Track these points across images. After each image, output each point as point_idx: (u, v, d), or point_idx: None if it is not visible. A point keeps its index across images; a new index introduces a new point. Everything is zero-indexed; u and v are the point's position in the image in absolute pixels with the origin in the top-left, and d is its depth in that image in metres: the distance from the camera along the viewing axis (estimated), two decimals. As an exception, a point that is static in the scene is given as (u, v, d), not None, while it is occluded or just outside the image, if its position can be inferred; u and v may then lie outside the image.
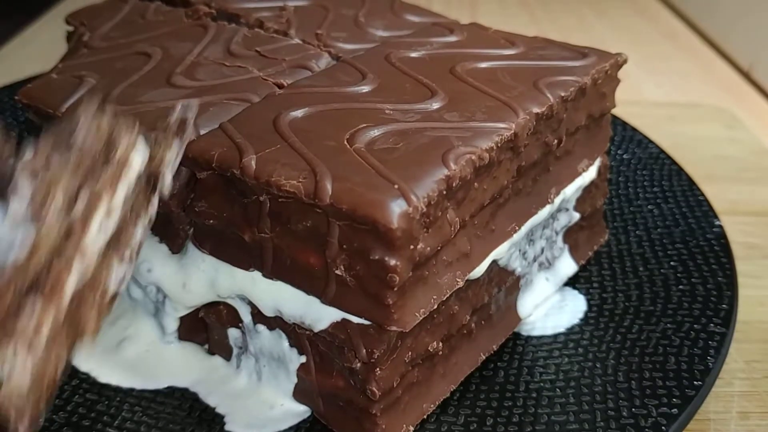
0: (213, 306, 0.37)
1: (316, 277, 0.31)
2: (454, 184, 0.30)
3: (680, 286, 0.42)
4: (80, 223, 0.26)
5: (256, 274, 0.34)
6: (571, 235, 0.43)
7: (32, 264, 0.25)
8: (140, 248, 0.29)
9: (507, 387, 0.36)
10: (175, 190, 0.34)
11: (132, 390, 0.37)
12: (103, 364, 0.38)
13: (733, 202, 0.54)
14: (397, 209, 0.28)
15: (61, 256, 0.25)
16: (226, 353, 0.38)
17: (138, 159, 0.28)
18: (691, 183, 0.51)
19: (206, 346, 0.39)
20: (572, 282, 0.43)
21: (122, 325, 0.40)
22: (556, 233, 0.41)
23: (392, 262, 0.29)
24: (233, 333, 0.37)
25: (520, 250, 0.38)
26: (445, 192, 0.30)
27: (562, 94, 0.36)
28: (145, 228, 0.28)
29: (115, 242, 0.27)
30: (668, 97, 0.74)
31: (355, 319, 0.31)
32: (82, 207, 0.26)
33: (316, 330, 0.32)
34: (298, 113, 0.34)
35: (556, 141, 0.37)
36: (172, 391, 0.37)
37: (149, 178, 0.29)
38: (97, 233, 0.26)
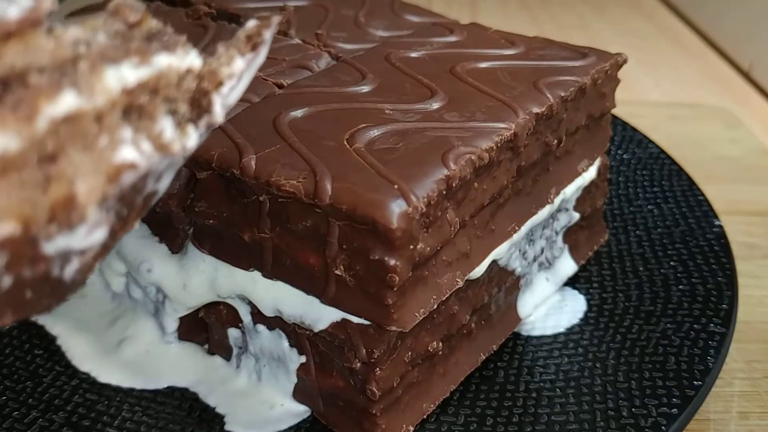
0: (213, 306, 0.37)
1: (315, 277, 0.31)
2: (453, 184, 0.30)
3: (680, 286, 0.42)
4: (96, 56, 0.21)
5: (256, 274, 0.34)
6: (571, 235, 0.43)
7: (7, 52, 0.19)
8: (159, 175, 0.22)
9: (507, 387, 0.36)
10: (175, 190, 0.34)
11: (132, 390, 0.37)
12: (103, 364, 0.38)
13: (733, 202, 0.54)
14: (396, 209, 0.28)
15: (52, 73, 0.19)
16: (226, 353, 0.38)
17: (172, 60, 0.22)
18: (691, 183, 0.51)
19: (206, 346, 0.39)
20: (572, 282, 0.43)
21: (122, 325, 0.40)
22: (556, 233, 0.41)
23: (392, 262, 0.29)
24: (233, 333, 0.37)
25: (520, 250, 0.38)
26: (444, 192, 0.30)
27: (562, 94, 0.36)
28: (173, 143, 0.22)
29: (133, 115, 0.21)
30: (668, 97, 0.74)
31: (355, 319, 0.31)
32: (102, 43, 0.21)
33: (316, 330, 0.32)
34: (298, 113, 0.34)
35: (556, 141, 0.37)
36: (172, 391, 0.37)
37: (194, 98, 0.23)
38: (112, 79, 0.21)
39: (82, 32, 0.20)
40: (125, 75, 0.21)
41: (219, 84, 0.23)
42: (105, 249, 0.21)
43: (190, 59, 0.22)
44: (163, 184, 0.23)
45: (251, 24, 0.24)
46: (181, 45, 0.23)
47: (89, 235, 0.20)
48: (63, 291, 0.21)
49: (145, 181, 0.21)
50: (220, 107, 0.23)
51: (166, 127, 0.22)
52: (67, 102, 0.19)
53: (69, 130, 0.19)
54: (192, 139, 0.22)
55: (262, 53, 0.24)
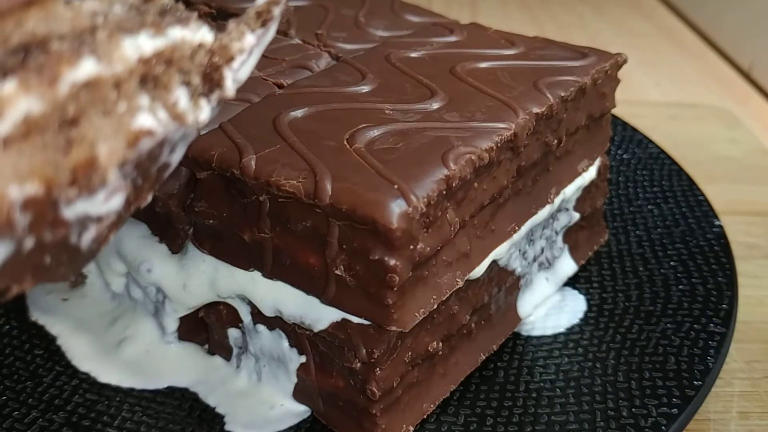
0: (213, 306, 0.37)
1: (315, 277, 0.31)
2: (453, 184, 0.30)
3: (680, 286, 0.42)
4: (113, 26, 0.21)
5: (256, 274, 0.34)
6: (571, 235, 0.43)
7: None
8: (172, 148, 0.23)
9: (507, 387, 0.36)
10: (175, 190, 0.34)
11: (132, 390, 0.37)
12: (103, 364, 0.38)
13: (733, 202, 0.54)
14: (396, 209, 0.28)
15: (72, 41, 0.20)
16: (226, 353, 0.38)
17: (184, 34, 0.23)
18: (691, 183, 0.51)
19: (206, 346, 0.39)
20: (572, 282, 0.43)
21: (122, 325, 0.40)
22: (556, 233, 0.41)
23: (392, 262, 0.29)
24: (233, 333, 0.37)
25: (520, 250, 0.38)
26: (444, 192, 0.30)
27: (562, 94, 0.36)
28: (185, 120, 0.23)
29: (149, 83, 0.22)
30: (668, 97, 0.74)
31: (355, 319, 0.31)
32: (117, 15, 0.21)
33: (316, 330, 0.32)
34: (298, 113, 0.34)
35: (556, 141, 0.37)
36: (172, 391, 0.37)
37: (206, 72, 0.23)
38: (130, 48, 0.21)
39: (99, 4, 0.21)
40: (142, 44, 0.21)
41: (230, 59, 0.23)
42: (119, 219, 0.22)
43: (203, 34, 0.23)
44: (176, 157, 0.23)
45: (261, 1, 0.24)
46: (193, 20, 0.23)
47: (107, 201, 0.21)
48: (79, 260, 0.21)
49: (161, 150, 0.22)
50: (231, 82, 0.24)
51: (180, 97, 0.22)
52: (87, 68, 0.20)
53: (89, 95, 0.20)
54: (204, 112, 0.23)
55: (272, 29, 0.24)
